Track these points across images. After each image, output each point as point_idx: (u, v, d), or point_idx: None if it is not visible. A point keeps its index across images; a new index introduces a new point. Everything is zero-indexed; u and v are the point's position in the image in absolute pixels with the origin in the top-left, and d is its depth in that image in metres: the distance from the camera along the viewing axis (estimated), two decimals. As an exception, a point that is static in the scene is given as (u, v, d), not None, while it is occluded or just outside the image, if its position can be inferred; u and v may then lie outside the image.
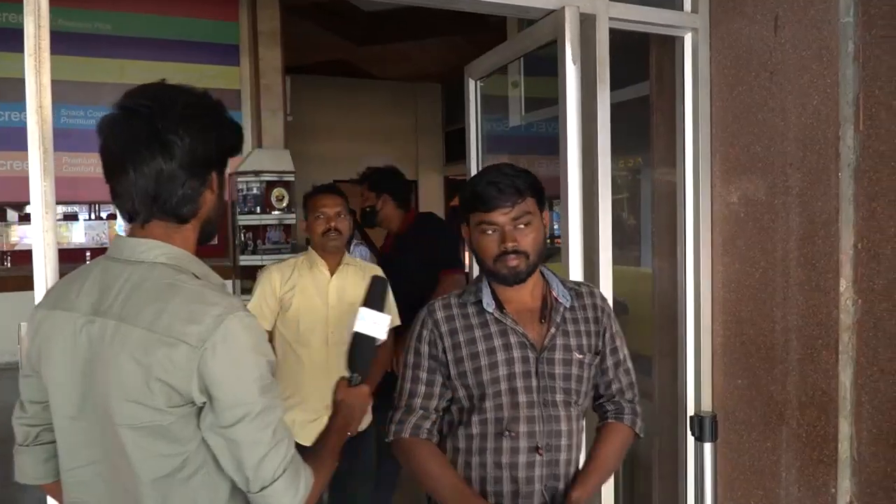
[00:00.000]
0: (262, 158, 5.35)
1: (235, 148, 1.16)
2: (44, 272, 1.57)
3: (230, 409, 1.03)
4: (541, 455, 1.46)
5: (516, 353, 1.48)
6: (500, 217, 1.46)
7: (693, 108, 2.26)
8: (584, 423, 1.60)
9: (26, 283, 1.56)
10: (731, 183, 2.19)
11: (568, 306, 1.55)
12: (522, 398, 1.47)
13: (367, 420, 2.49)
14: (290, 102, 6.04)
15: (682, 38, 2.28)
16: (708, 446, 2.21)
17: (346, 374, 1.41)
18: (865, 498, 1.80)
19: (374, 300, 1.42)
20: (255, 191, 5.28)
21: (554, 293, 1.55)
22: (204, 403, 1.04)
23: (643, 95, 2.59)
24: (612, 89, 2.10)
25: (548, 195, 1.56)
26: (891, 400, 1.73)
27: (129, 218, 1.13)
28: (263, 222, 5.27)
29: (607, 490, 2.06)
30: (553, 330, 1.51)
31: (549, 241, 1.63)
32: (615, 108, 2.12)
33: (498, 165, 1.53)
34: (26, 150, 1.57)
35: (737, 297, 2.18)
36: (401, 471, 2.98)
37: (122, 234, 1.18)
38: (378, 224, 3.25)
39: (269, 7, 5.68)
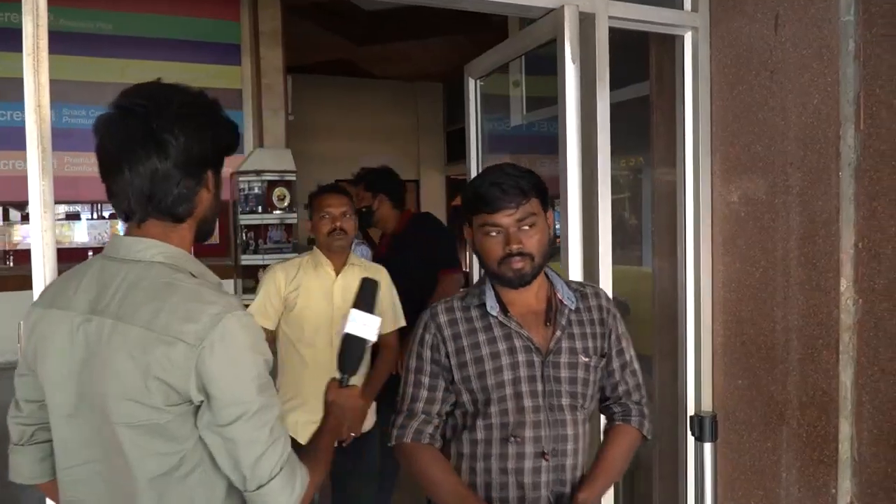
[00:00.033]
0: (263, 158, 5.34)
1: (231, 147, 1.16)
2: (42, 271, 1.57)
3: (227, 407, 1.03)
4: (547, 460, 1.44)
5: (521, 358, 1.46)
6: (505, 219, 1.43)
7: (693, 108, 2.25)
8: (590, 426, 1.58)
9: (28, 283, 1.56)
10: (732, 182, 2.18)
11: (573, 308, 1.52)
12: (528, 403, 1.44)
13: (370, 421, 2.48)
14: (291, 102, 6.03)
15: (682, 36, 2.27)
16: (708, 446, 2.21)
17: (337, 375, 1.41)
18: (866, 498, 1.79)
19: (364, 302, 1.40)
20: (256, 190, 5.28)
21: (559, 295, 1.53)
22: (201, 402, 1.04)
23: (643, 95, 2.58)
24: (611, 89, 2.10)
25: (550, 194, 1.53)
26: (891, 400, 1.72)
27: (126, 217, 1.13)
28: (265, 222, 5.26)
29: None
30: (558, 333, 1.49)
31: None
32: (615, 108, 2.11)
33: (501, 165, 1.50)
34: (26, 149, 1.56)
35: (737, 296, 2.17)
36: (400, 471, 2.98)
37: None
38: (374, 224, 3.25)
39: (270, 7, 5.68)
